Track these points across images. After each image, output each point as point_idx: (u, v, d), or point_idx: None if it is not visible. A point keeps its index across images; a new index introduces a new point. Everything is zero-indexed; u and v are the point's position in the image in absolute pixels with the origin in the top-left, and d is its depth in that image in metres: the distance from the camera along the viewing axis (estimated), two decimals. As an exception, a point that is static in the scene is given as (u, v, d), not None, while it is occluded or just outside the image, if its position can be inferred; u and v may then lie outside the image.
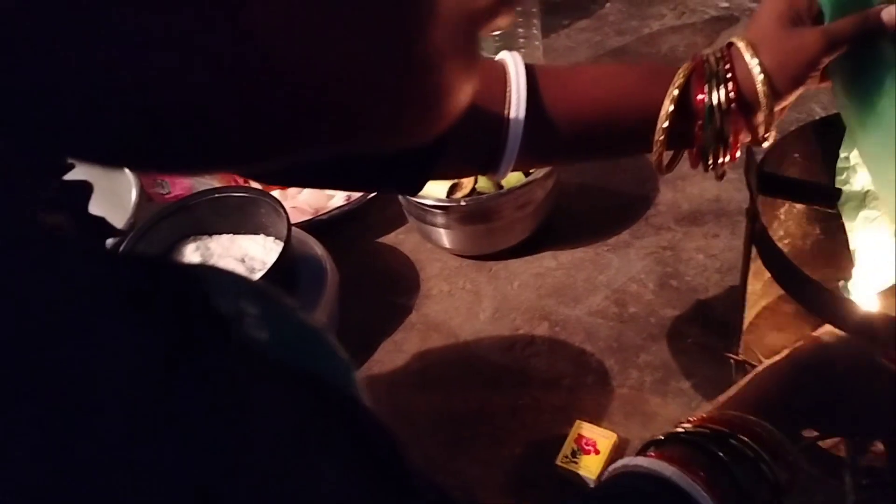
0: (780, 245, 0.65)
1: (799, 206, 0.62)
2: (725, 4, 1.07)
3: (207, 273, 0.26)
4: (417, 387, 0.69)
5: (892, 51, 0.44)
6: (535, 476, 0.59)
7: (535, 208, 0.75)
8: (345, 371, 0.40)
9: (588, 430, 0.59)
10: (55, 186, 0.22)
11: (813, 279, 0.48)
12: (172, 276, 0.21)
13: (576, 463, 0.58)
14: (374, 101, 0.21)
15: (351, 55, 0.20)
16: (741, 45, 0.46)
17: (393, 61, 0.21)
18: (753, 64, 0.45)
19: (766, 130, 0.47)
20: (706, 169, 0.49)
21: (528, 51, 0.91)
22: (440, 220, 0.74)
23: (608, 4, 1.12)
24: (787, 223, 0.64)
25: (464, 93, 0.23)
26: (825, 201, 0.53)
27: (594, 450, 0.58)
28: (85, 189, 0.25)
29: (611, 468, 0.42)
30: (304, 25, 0.19)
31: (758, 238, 0.52)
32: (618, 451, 0.59)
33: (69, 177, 0.24)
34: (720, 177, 0.50)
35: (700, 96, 0.46)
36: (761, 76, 0.44)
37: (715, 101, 0.46)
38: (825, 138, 0.58)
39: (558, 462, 0.58)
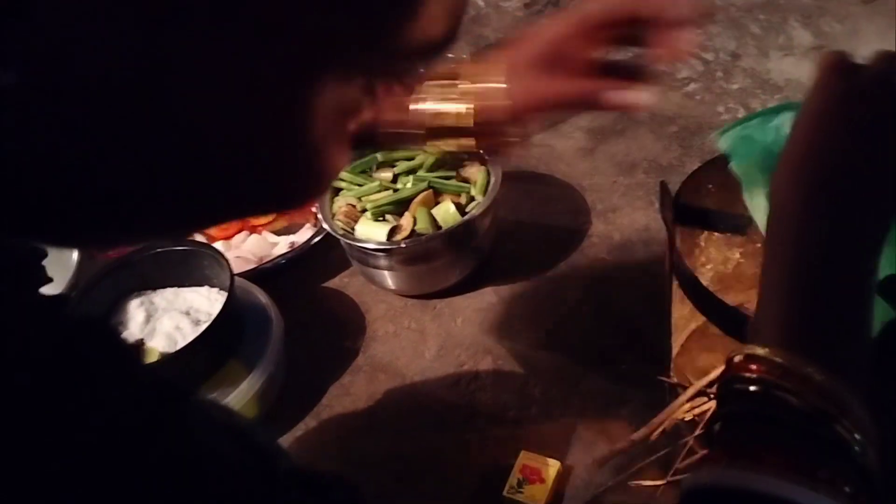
0: (703, 270, 0.69)
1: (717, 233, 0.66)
2: None
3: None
4: (366, 428, 0.70)
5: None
6: (481, 509, 0.61)
7: (474, 246, 0.77)
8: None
9: (532, 459, 0.61)
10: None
11: (726, 304, 0.51)
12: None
13: (521, 493, 0.59)
14: (264, 177, 0.25)
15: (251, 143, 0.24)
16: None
17: (283, 148, 0.25)
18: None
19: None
20: None
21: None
22: (383, 262, 0.76)
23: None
24: (708, 250, 0.67)
25: (334, 173, 0.28)
26: (736, 230, 0.57)
27: (539, 479, 0.60)
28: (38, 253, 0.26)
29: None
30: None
31: (676, 268, 0.55)
32: (562, 479, 0.61)
33: None
34: None
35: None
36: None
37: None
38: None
39: (505, 493, 0.60)
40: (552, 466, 0.61)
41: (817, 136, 0.37)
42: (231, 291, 0.69)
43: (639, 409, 0.65)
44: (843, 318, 0.35)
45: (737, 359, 0.35)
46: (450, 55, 0.30)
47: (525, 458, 0.62)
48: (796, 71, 1.00)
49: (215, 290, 0.75)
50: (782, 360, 0.33)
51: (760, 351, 0.34)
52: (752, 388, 0.33)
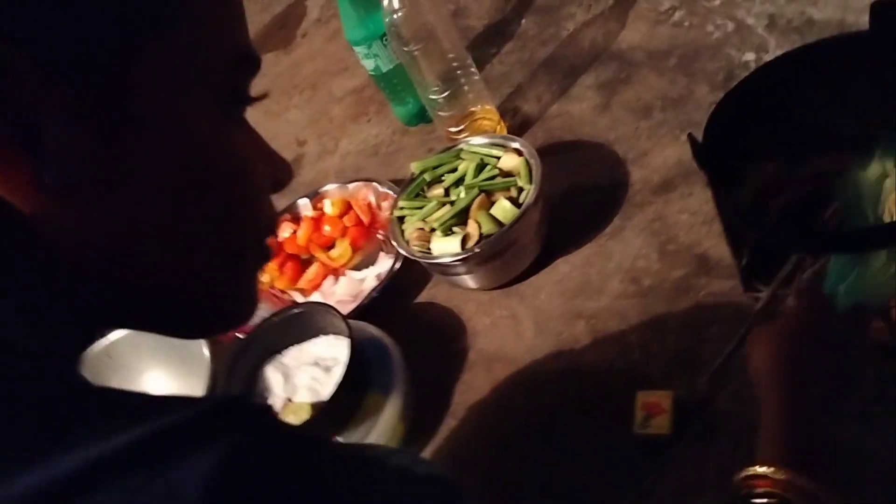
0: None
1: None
2: (623, -15, 1.19)
3: None
4: (497, 410, 0.80)
5: None
6: (620, 447, 0.70)
7: (536, 229, 0.86)
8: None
9: (649, 395, 0.70)
10: None
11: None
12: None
13: (650, 426, 0.69)
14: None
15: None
16: None
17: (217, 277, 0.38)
18: None
19: None
20: None
21: (472, 92, 1.02)
22: (462, 269, 0.85)
23: (524, 21, 1.24)
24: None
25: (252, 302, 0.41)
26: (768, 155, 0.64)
27: (660, 411, 0.69)
28: None
29: None
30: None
31: (720, 203, 0.63)
32: (677, 405, 0.70)
33: None
34: None
35: None
36: None
37: None
38: (755, 95, 0.69)
39: (635, 430, 0.69)
40: (667, 397, 0.70)
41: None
42: (350, 331, 0.79)
43: (725, 326, 0.74)
44: (825, 443, 0.51)
45: (746, 475, 0.49)
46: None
47: (642, 397, 0.71)
48: (769, -29, 1.05)
49: (332, 336, 0.85)
50: (784, 476, 0.48)
51: (766, 470, 0.48)
52: (762, 500, 0.47)
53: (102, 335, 0.37)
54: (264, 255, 0.42)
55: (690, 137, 0.64)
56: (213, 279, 0.37)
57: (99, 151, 0.31)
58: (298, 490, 0.28)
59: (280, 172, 0.41)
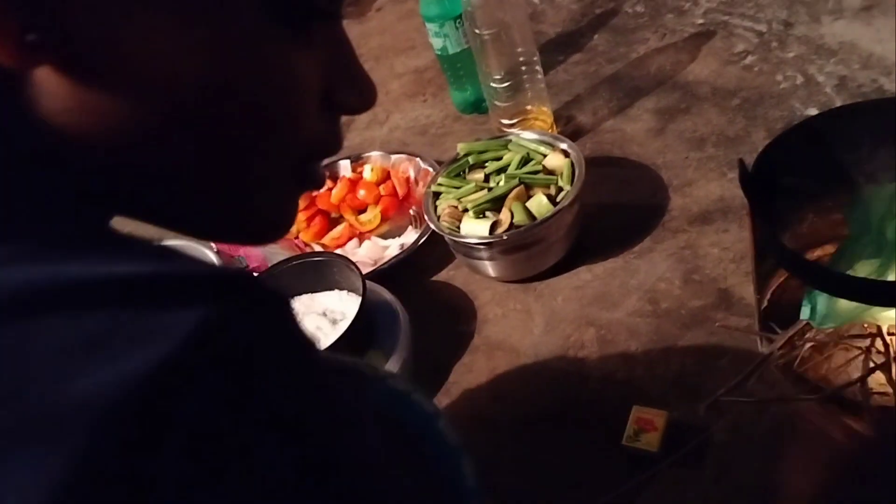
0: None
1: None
2: (701, 21, 1.19)
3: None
4: (491, 397, 0.80)
5: None
6: (606, 456, 0.70)
7: (567, 231, 0.86)
8: (427, 420, 0.52)
9: (644, 412, 0.70)
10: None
11: (807, 259, 0.59)
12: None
13: (639, 441, 0.68)
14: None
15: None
16: None
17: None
18: None
19: None
20: None
21: (532, 91, 1.03)
22: (485, 254, 0.86)
23: (596, 36, 1.25)
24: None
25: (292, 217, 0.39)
26: (809, 191, 0.64)
27: (652, 427, 0.69)
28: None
29: None
30: None
31: (758, 232, 0.63)
32: (670, 425, 0.69)
33: None
34: None
35: None
36: None
37: None
38: (810, 138, 0.69)
39: (624, 443, 0.69)
40: (661, 416, 0.70)
41: None
42: (364, 291, 0.80)
43: (734, 361, 0.73)
44: None
45: None
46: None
47: (637, 412, 0.70)
48: (849, 34, 1.05)
49: (345, 292, 0.86)
50: None
51: None
52: None
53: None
54: (312, 179, 0.38)
55: (741, 163, 0.64)
56: (243, 188, 0.34)
57: (110, 24, 0.28)
58: (276, 379, 0.26)
59: (358, 97, 0.37)
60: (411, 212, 1.04)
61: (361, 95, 0.37)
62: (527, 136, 0.93)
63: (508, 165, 0.90)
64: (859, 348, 0.63)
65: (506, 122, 1.03)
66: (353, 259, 0.96)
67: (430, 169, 1.02)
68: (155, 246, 0.30)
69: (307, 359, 0.29)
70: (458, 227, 0.86)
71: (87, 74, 0.28)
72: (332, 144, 0.38)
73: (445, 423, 0.51)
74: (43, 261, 0.25)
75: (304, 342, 0.29)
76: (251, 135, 0.32)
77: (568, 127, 1.08)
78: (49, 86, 0.28)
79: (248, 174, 0.34)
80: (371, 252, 0.96)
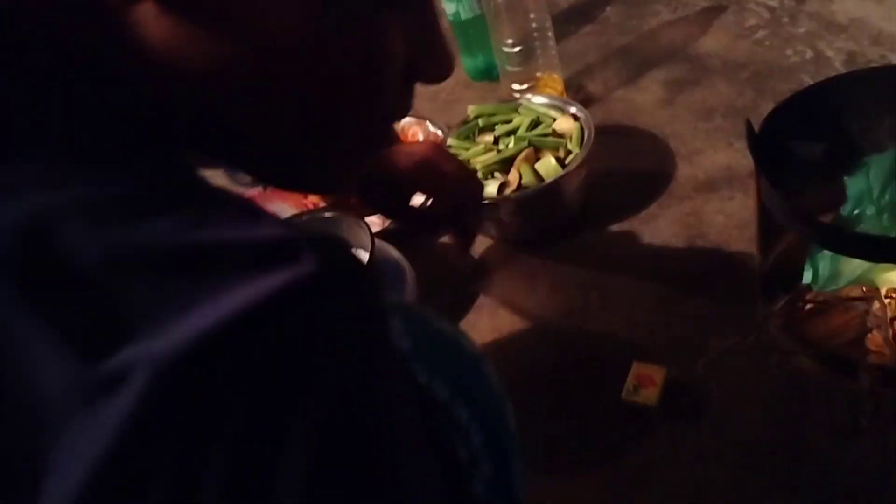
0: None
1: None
2: (714, -5, 1.19)
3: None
4: (494, 356, 0.81)
5: None
6: (605, 410, 0.71)
7: (573, 194, 0.87)
8: (474, 363, 0.52)
9: (643, 368, 0.72)
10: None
11: (817, 220, 0.60)
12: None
13: (637, 396, 0.70)
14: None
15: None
16: None
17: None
18: None
19: None
20: None
21: (544, 57, 1.03)
22: (493, 214, 0.87)
23: (609, 8, 1.25)
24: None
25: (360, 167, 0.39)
26: (814, 158, 0.65)
27: (651, 383, 0.70)
28: None
29: None
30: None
31: (764, 194, 0.64)
32: (668, 381, 0.71)
33: None
34: None
35: None
36: None
37: None
38: (816, 104, 0.70)
39: (623, 397, 0.70)
40: (660, 372, 0.71)
41: None
42: (373, 248, 0.81)
43: (733, 325, 0.74)
44: None
45: None
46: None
47: (637, 367, 0.72)
48: (860, 10, 1.06)
49: (353, 249, 0.87)
50: None
51: None
52: None
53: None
54: (381, 140, 0.40)
55: (748, 124, 0.65)
56: (319, 140, 0.35)
57: None
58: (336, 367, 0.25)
59: (438, 68, 0.37)
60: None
61: (441, 67, 0.37)
62: (537, 101, 0.94)
63: (518, 128, 0.91)
64: (859, 308, 0.65)
65: (516, 87, 1.04)
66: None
67: (439, 132, 1.03)
68: (247, 202, 0.30)
69: (382, 341, 0.29)
70: (467, 188, 0.87)
71: (188, 12, 0.28)
72: (404, 109, 0.39)
73: (490, 366, 0.53)
74: (139, 215, 0.25)
75: (383, 323, 0.29)
76: (338, 92, 0.33)
77: (578, 95, 1.09)
78: (150, 23, 0.28)
79: (327, 129, 0.34)
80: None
